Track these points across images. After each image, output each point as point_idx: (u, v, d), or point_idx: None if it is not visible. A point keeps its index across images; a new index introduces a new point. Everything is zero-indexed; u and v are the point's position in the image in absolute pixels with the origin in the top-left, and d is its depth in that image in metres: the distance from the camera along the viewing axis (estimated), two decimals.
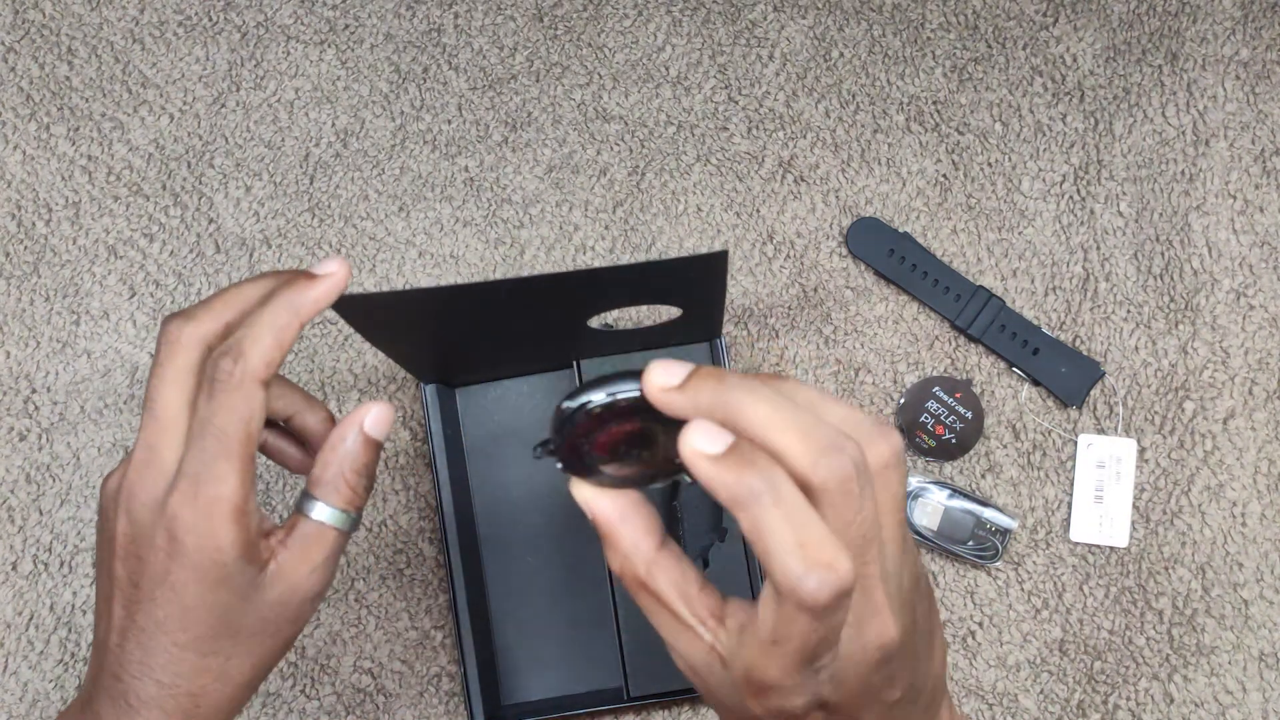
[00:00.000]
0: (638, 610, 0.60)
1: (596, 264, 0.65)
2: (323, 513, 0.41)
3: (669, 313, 0.55)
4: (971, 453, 0.63)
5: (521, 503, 0.62)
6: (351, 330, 0.64)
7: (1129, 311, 0.64)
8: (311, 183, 0.66)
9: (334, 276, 0.41)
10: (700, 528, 0.58)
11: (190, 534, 0.38)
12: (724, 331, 0.63)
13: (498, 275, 0.65)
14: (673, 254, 0.65)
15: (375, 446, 0.42)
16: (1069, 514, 0.62)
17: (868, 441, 0.33)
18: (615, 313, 0.64)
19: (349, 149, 0.66)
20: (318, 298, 0.41)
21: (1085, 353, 0.63)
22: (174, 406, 0.39)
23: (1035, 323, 0.64)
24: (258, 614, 0.40)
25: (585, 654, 0.61)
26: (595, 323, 0.55)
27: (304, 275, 0.41)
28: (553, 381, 0.62)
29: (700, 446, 0.32)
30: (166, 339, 0.40)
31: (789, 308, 0.64)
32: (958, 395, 0.62)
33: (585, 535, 0.61)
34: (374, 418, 0.41)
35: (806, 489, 0.31)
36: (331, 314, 0.64)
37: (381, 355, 0.64)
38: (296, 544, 0.40)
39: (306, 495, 0.41)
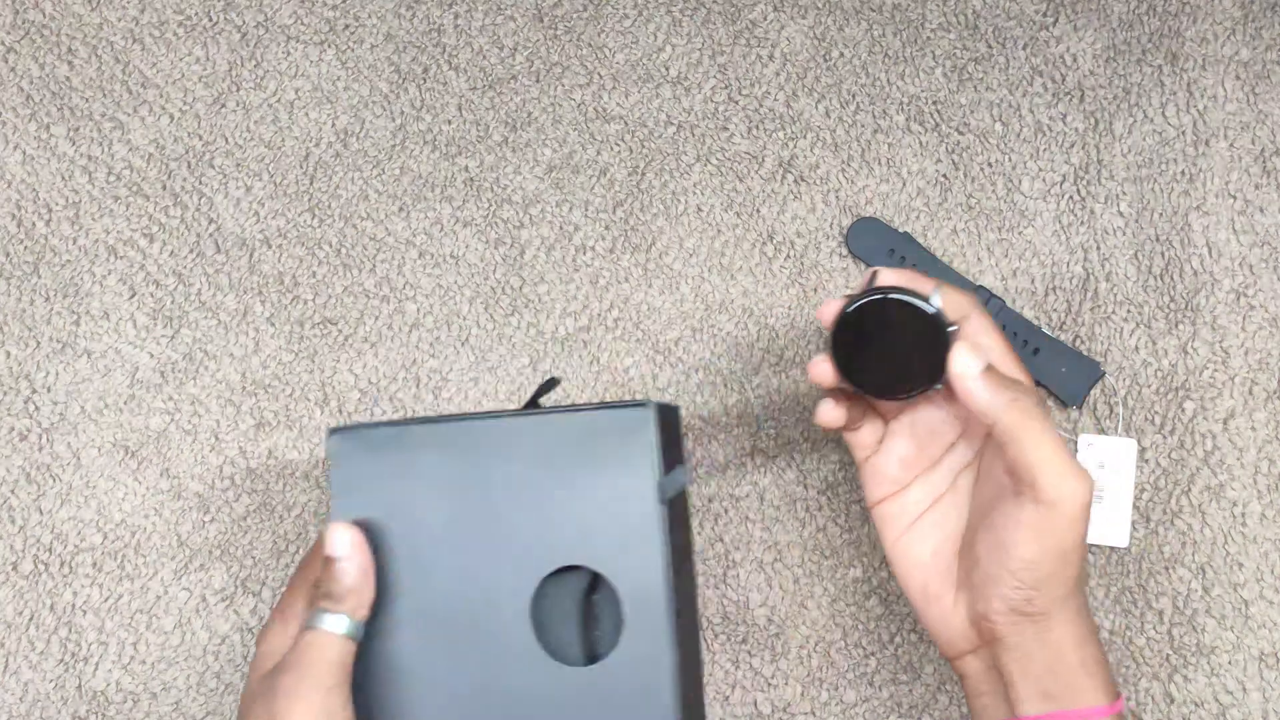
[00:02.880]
0: None
1: (596, 264, 0.65)
2: (324, 620, 0.48)
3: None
4: None
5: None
6: (351, 330, 0.64)
7: (1129, 311, 0.64)
8: (311, 183, 0.66)
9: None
10: (609, 629, 0.50)
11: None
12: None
13: (497, 275, 0.65)
14: (672, 254, 0.65)
15: (327, 560, 0.49)
16: None
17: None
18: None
19: (349, 149, 0.66)
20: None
21: (1085, 353, 0.63)
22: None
23: (1035, 323, 0.64)
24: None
25: None
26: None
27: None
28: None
29: (967, 363, 0.46)
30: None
31: (789, 308, 0.64)
32: None
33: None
34: (332, 541, 0.49)
35: None
36: (331, 313, 0.64)
37: (381, 355, 0.64)
38: (297, 650, 0.48)
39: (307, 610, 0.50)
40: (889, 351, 0.47)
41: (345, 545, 0.48)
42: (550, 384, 0.56)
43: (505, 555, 0.49)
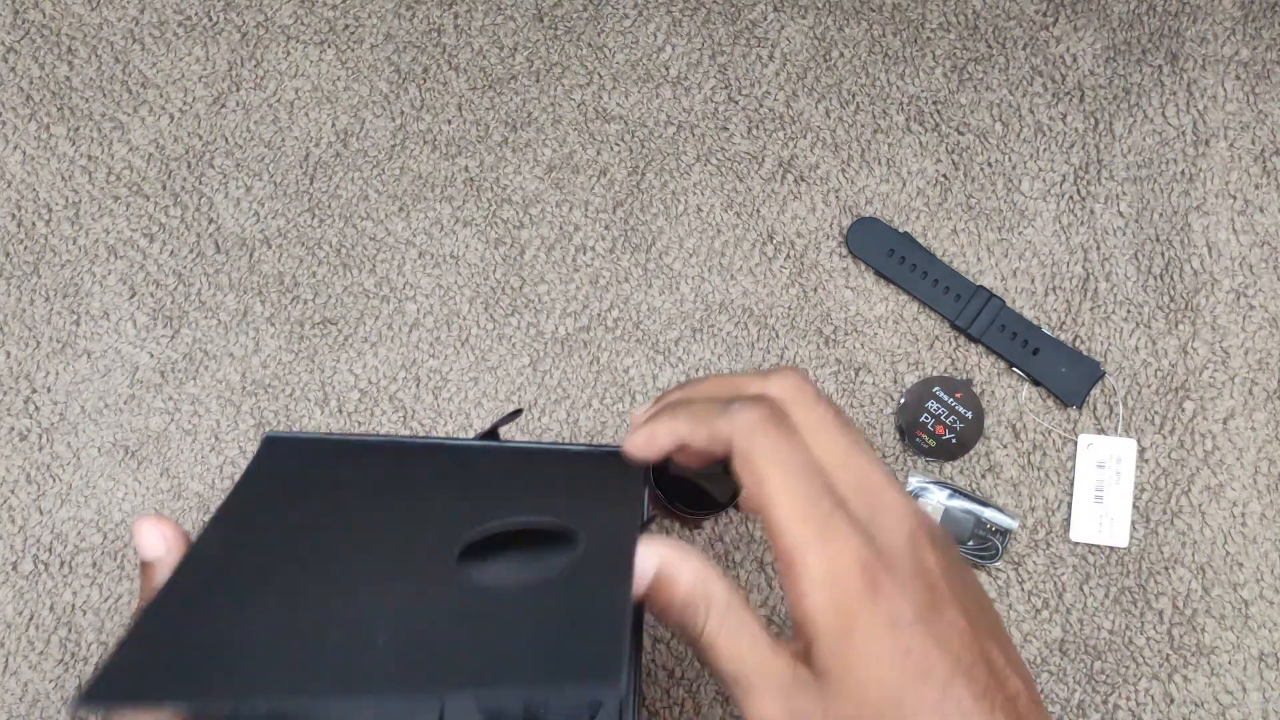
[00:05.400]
0: None
1: (596, 264, 0.65)
2: None
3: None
4: (971, 453, 0.63)
5: None
6: (351, 330, 0.64)
7: (1129, 311, 0.64)
8: (311, 183, 0.66)
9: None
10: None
11: None
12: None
13: (497, 275, 0.65)
14: (672, 254, 0.65)
15: (151, 568, 0.37)
16: (1069, 514, 0.62)
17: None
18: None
19: (349, 149, 0.66)
20: None
21: (1085, 353, 0.63)
22: None
23: (1035, 323, 0.64)
24: None
25: None
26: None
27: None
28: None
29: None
30: None
31: (789, 308, 0.64)
32: (958, 395, 0.62)
33: None
34: (137, 537, 0.36)
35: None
36: (331, 313, 0.64)
37: (381, 355, 0.64)
38: None
39: None
40: (695, 485, 0.59)
41: (157, 546, 0.36)
42: (514, 415, 0.51)
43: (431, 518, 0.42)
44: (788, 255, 0.65)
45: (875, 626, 0.32)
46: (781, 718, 0.33)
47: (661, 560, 0.34)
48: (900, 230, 0.64)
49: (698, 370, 0.64)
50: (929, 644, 0.32)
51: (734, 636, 0.34)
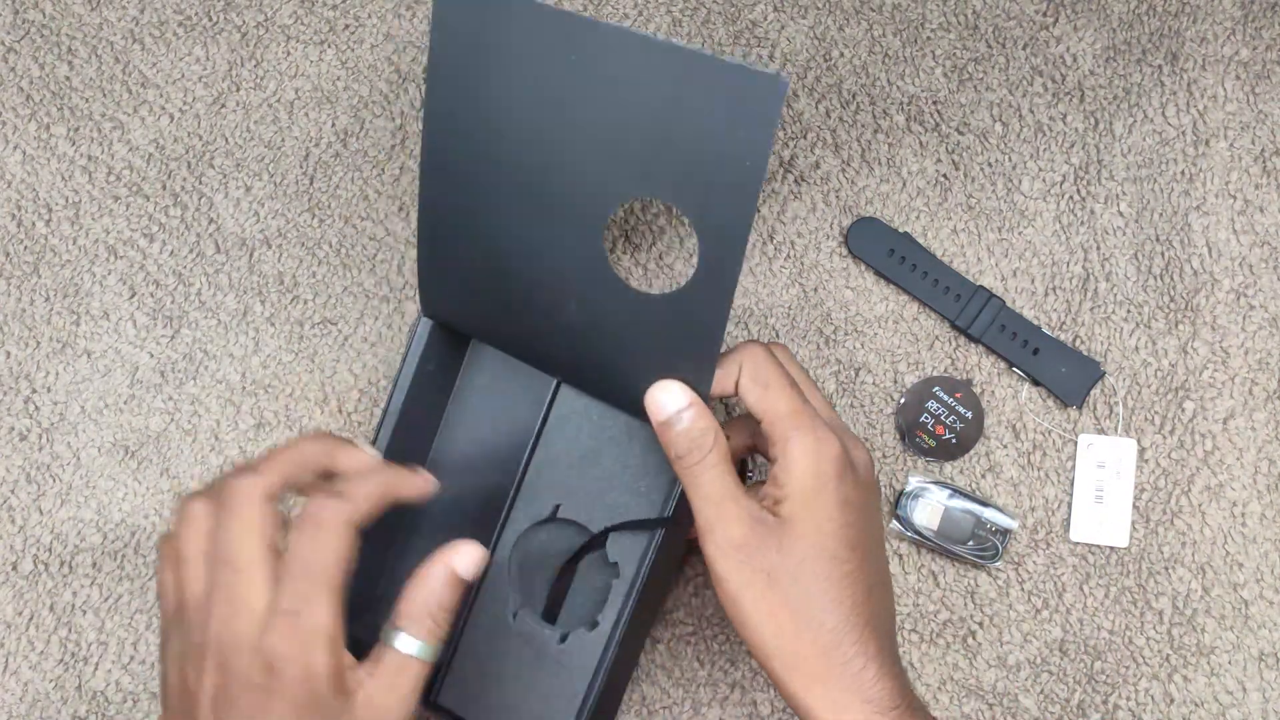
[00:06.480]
0: (498, 642, 0.54)
1: None
2: (408, 645, 0.44)
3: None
4: (971, 453, 0.63)
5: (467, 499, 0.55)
6: (351, 330, 0.64)
7: (1129, 311, 0.64)
8: (311, 183, 0.66)
9: (428, 485, 0.48)
10: (582, 608, 0.54)
11: (290, 665, 0.40)
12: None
13: None
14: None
15: (462, 586, 0.45)
16: (1069, 514, 0.62)
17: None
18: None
19: (349, 149, 0.66)
20: (416, 488, 0.48)
21: (1085, 353, 0.63)
22: (253, 554, 0.42)
23: (1035, 323, 0.64)
24: None
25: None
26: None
27: (411, 469, 0.48)
28: (527, 380, 0.55)
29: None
30: (233, 493, 0.43)
31: (789, 308, 0.64)
32: (958, 395, 0.62)
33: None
34: (464, 559, 0.45)
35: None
36: (331, 313, 0.64)
37: (381, 354, 0.64)
38: (384, 675, 0.43)
39: (392, 627, 0.44)
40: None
41: (473, 567, 0.45)
42: None
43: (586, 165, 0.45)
44: (788, 255, 0.65)
45: (834, 501, 0.45)
46: (745, 539, 0.45)
47: (682, 405, 0.46)
48: (900, 230, 0.65)
49: None
50: (862, 525, 0.47)
51: (718, 476, 0.45)
